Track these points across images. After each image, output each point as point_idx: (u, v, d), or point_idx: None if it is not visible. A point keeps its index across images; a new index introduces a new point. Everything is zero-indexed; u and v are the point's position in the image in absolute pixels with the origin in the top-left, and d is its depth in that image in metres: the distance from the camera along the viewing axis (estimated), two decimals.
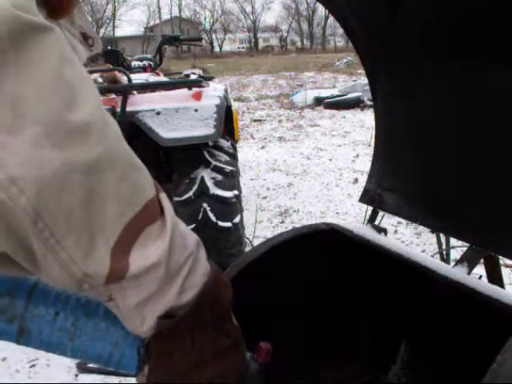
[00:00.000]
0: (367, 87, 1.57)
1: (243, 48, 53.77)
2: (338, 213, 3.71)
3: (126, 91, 2.16)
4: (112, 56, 3.15)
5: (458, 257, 0.97)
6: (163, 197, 0.46)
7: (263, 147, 6.16)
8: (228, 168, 2.33)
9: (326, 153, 5.67)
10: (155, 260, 0.42)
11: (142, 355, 0.48)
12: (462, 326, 0.93)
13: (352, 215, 3.63)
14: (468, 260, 0.91)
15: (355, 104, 8.78)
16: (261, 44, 54.88)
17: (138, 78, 2.70)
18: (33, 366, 1.95)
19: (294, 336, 0.95)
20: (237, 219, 2.33)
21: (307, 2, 49.41)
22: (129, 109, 2.15)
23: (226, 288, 0.51)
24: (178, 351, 0.47)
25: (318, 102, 9.34)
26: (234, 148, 2.69)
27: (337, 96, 9.29)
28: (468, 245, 0.94)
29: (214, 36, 51.24)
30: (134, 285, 0.42)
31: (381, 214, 1.20)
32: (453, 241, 1.85)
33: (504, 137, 0.83)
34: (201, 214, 2.23)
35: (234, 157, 2.51)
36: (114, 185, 0.39)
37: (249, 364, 0.54)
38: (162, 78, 3.13)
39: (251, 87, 14.07)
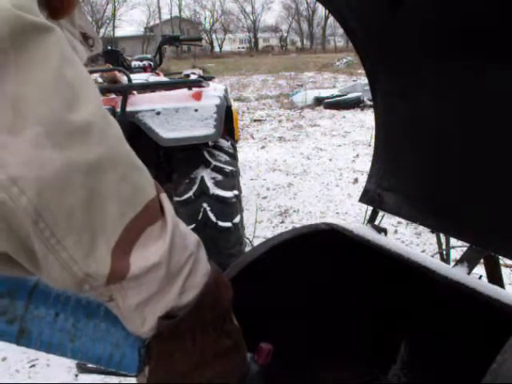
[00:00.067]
0: (367, 87, 1.57)
1: (243, 48, 53.77)
2: (338, 213, 3.71)
3: (125, 91, 2.16)
4: (112, 56, 3.15)
5: (458, 257, 0.97)
6: (164, 197, 0.46)
7: (263, 147, 6.16)
8: (228, 168, 2.33)
9: (326, 153, 5.67)
10: (156, 260, 0.42)
11: (143, 356, 0.48)
12: (462, 326, 0.93)
13: (352, 215, 3.63)
14: (468, 260, 0.91)
15: (355, 104, 8.78)
16: (261, 44, 54.88)
17: (138, 77, 2.70)
18: (33, 366, 1.95)
19: (293, 336, 0.95)
20: (237, 219, 2.33)
21: (307, 2, 49.46)
22: (129, 109, 2.15)
23: (227, 288, 0.51)
24: (178, 352, 0.47)
25: (318, 101, 9.34)
26: (234, 148, 2.69)
27: (337, 96, 9.29)
28: (468, 245, 0.94)
29: (214, 36, 51.25)
30: (134, 285, 0.42)
31: (381, 213, 1.20)
32: (453, 241, 1.86)
33: (504, 137, 0.83)
34: (201, 214, 2.23)
35: (234, 157, 2.51)
36: (114, 185, 0.39)
37: (249, 365, 0.54)
38: (162, 78, 3.13)
39: (251, 87, 14.07)
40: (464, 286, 0.84)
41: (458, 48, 0.85)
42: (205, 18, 52.12)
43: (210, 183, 2.26)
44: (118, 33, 45.50)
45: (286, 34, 55.17)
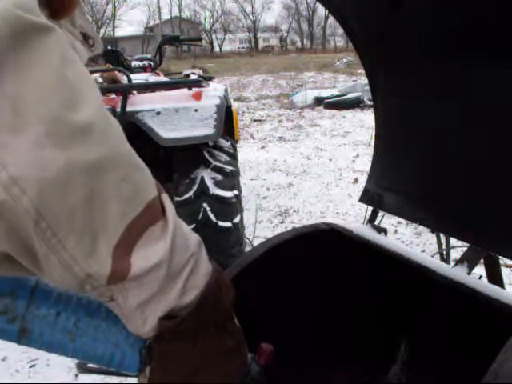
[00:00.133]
0: (367, 87, 1.57)
1: (243, 48, 53.77)
2: (337, 213, 3.71)
3: (125, 91, 2.16)
4: (112, 56, 3.15)
5: (458, 257, 0.97)
6: (165, 197, 0.46)
7: (263, 147, 6.16)
8: (228, 168, 2.33)
9: (326, 153, 5.67)
10: (157, 260, 0.42)
11: (144, 356, 0.48)
12: (462, 326, 0.93)
13: (352, 215, 3.63)
14: (468, 260, 0.91)
15: (355, 104, 8.77)
16: (261, 44, 54.88)
17: (138, 77, 2.70)
18: (33, 365, 1.95)
19: (293, 336, 0.95)
20: (237, 219, 2.33)
21: (307, 2, 49.48)
22: (129, 109, 2.15)
23: (228, 289, 0.51)
24: (179, 352, 0.47)
25: (318, 102, 9.34)
26: (234, 148, 2.69)
27: (337, 96, 9.29)
28: (468, 245, 0.94)
29: (214, 36, 51.26)
30: (135, 285, 0.42)
31: (381, 214, 1.20)
32: (453, 241, 1.86)
33: (504, 137, 0.83)
34: (201, 214, 2.23)
35: (234, 157, 2.51)
36: (116, 185, 0.39)
37: (250, 365, 0.54)
38: (162, 78, 3.13)
39: (251, 87, 14.06)
40: (464, 286, 0.84)
41: (457, 48, 0.85)
42: (205, 18, 52.21)
43: (209, 183, 2.26)
44: (118, 33, 45.52)
45: (286, 34, 55.18)
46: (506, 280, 1.19)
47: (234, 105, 3.07)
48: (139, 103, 2.19)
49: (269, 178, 4.74)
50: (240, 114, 8.42)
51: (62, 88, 0.37)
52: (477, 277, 0.96)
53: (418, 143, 1.04)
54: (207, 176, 2.28)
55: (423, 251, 2.90)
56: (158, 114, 2.14)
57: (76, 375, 1.88)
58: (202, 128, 2.14)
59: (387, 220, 3.12)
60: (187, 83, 2.34)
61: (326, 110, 8.83)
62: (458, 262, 0.93)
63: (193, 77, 3.09)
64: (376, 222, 1.16)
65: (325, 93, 9.77)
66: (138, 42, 41.95)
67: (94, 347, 0.48)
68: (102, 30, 41.72)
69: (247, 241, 2.84)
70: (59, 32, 0.38)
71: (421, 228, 3.22)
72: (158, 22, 42.40)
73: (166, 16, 47.70)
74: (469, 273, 0.90)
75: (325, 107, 9.02)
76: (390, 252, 0.99)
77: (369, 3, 0.97)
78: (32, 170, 0.35)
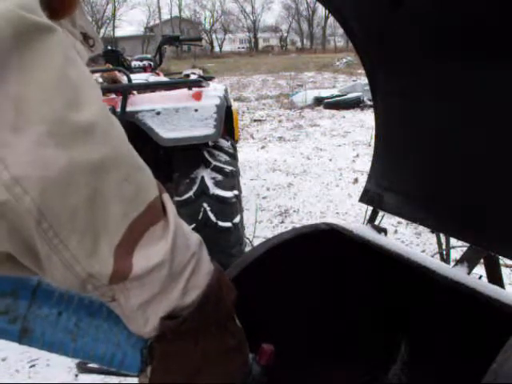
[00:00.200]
0: (367, 87, 1.57)
1: (243, 48, 53.78)
2: (337, 213, 3.71)
3: (125, 91, 2.16)
4: (112, 56, 3.15)
5: (458, 257, 0.97)
6: (166, 197, 0.46)
7: (263, 147, 6.16)
8: (228, 168, 2.33)
9: (326, 153, 5.67)
10: (158, 260, 0.42)
11: (145, 356, 0.48)
12: (462, 326, 0.93)
13: (352, 215, 3.63)
14: (468, 260, 0.91)
15: (355, 104, 8.77)
16: (261, 44, 54.88)
17: (138, 77, 2.70)
18: (33, 366, 1.95)
19: (293, 336, 0.95)
20: (237, 219, 2.33)
21: (307, 2, 49.49)
22: (129, 109, 2.15)
23: (230, 288, 0.51)
24: (181, 352, 0.47)
25: (318, 102, 9.34)
26: (234, 148, 2.69)
27: (337, 96, 9.29)
28: (468, 245, 0.94)
29: (214, 36, 51.27)
30: (137, 285, 0.42)
31: (381, 214, 1.20)
32: (453, 241, 1.86)
33: (504, 137, 0.83)
34: (201, 214, 2.23)
35: (234, 157, 2.51)
36: (117, 185, 0.39)
37: (251, 365, 0.54)
38: (162, 78, 3.13)
39: (251, 87, 14.06)
40: (464, 286, 0.84)
41: (457, 48, 0.85)
42: (205, 18, 52.21)
43: (210, 183, 2.26)
44: (118, 33, 45.53)
45: (286, 34, 55.18)
46: (506, 280, 1.19)
47: (234, 105, 3.07)
48: (139, 103, 2.19)
49: (269, 178, 4.74)
50: (240, 114, 8.42)
51: (65, 88, 0.37)
52: (477, 277, 0.96)
53: (418, 143, 1.04)
54: (207, 176, 2.28)
55: (423, 251, 2.90)
56: (158, 113, 2.14)
57: (76, 375, 1.89)
58: (202, 128, 2.14)
59: (387, 220, 3.12)
60: (187, 83, 2.34)
61: (325, 110, 8.83)
62: (458, 262, 0.93)
63: (193, 77, 3.09)
64: (376, 222, 1.16)
65: (325, 93, 9.77)
66: (138, 42, 41.96)
67: (95, 347, 0.48)
68: (102, 30, 41.73)
69: (247, 241, 2.84)
70: (61, 32, 0.38)
71: (421, 228, 3.22)
72: (158, 22, 42.41)
73: (166, 16, 47.76)
74: (469, 273, 0.90)
75: (325, 107, 9.02)
76: (390, 252, 0.99)
77: (369, 3, 0.97)
78: (34, 170, 0.35)
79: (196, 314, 0.46)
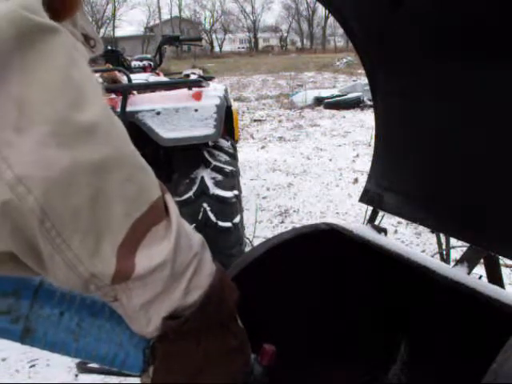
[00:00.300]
0: (367, 87, 1.57)
1: (243, 48, 53.78)
2: (337, 213, 3.71)
3: (125, 91, 2.16)
4: (112, 56, 3.15)
5: (458, 257, 0.97)
6: (168, 197, 0.46)
7: (263, 147, 6.16)
8: (228, 168, 2.33)
9: (326, 153, 5.67)
10: (161, 260, 0.42)
11: (147, 356, 0.48)
12: (462, 326, 0.93)
13: (352, 215, 3.63)
14: (468, 260, 0.91)
15: (355, 104, 8.77)
16: (261, 44, 54.89)
17: (138, 77, 2.70)
18: (33, 366, 1.95)
19: (293, 336, 0.95)
20: (237, 219, 2.33)
21: (307, 2, 49.49)
22: (129, 109, 2.15)
23: (232, 289, 0.51)
24: (183, 352, 0.47)
25: (318, 102, 9.34)
26: (234, 148, 2.69)
27: (337, 96, 9.29)
28: (468, 245, 0.94)
29: (214, 36, 51.27)
30: (139, 285, 0.42)
31: (381, 214, 1.20)
32: (453, 241, 1.86)
33: (504, 136, 0.83)
34: (201, 214, 2.23)
35: (234, 157, 2.51)
36: (120, 185, 0.39)
37: (253, 366, 0.54)
38: (162, 78, 3.13)
39: (251, 87, 14.06)
40: (464, 286, 0.84)
41: (457, 48, 0.85)
42: (205, 18, 52.22)
43: (209, 183, 2.26)
44: (118, 33, 45.54)
45: (286, 34, 55.19)
46: (506, 280, 1.19)
47: (234, 105, 3.07)
48: (139, 103, 2.19)
49: (269, 177, 4.74)
50: (240, 114, 8.42)
51: (68, 89, 0.37)
52: (477, 277, 0.96)
53: (418, 143, 1.04)
54: (207, 176, 2.28)
55: (423, 251, 2.90)
56: (158, 114, 2.14)
57: (76, 375, 1.89)
58: (202, 128, 2.14)
59: (387, 220, 3.12)
60: (187, 83, 2.34)
61: (325, 110, 8.83)
62: (458, 261, 0.93)
63: (193, 77, 3.09)
64: (376, 222, 1.16)
65: (325, 93, 9.77)
66: (138, 42, 41.96)
67: (97, 347, 0.48)
68: (102, 30, 41.73)
69: (247, 241, 2.84)
70: (64, 33, 0.38)
71: (421, 228, 3.22)
72: (158, 22, 42.40)
73: (166, 16, 47.76)
74: (469, 273, 0.90)
75: (325, 107, 9.02)
76: (390, 252, 0.99)
77: (369, 3, 0.97)
78: (37, 170, 0.35)
79: (198, 314, 0.46)
